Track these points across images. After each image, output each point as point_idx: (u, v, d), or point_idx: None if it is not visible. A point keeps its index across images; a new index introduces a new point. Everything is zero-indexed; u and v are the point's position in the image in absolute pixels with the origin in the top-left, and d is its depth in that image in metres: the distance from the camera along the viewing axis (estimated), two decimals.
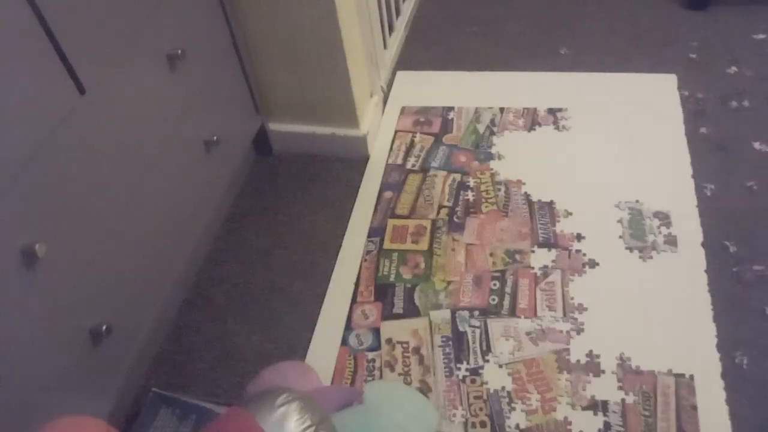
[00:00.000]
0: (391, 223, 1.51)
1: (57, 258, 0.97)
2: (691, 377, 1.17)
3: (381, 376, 1.25)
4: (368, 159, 1.67)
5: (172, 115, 1.27)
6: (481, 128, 1.71)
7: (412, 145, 1.69)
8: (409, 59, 1.96)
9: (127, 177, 1.14)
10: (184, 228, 1.35)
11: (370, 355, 1.28)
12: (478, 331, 1.29)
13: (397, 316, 1.33)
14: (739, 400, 1.14)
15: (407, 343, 1.29)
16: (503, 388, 1.20)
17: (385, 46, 1.83)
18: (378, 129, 1.74)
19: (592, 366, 1.21)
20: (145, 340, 1.24)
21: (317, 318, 1.35)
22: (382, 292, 1.38)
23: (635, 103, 1.70)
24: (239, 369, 1.29)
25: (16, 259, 0.90)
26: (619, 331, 1.25)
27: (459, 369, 1.24)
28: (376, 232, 1.50)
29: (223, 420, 0.93)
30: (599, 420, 1.14)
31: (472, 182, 1.57)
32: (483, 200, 1.53)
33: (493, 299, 1.33)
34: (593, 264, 1.37)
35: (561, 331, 1.26)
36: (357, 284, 1.40)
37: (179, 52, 1.22)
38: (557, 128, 1.68)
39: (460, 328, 1.30)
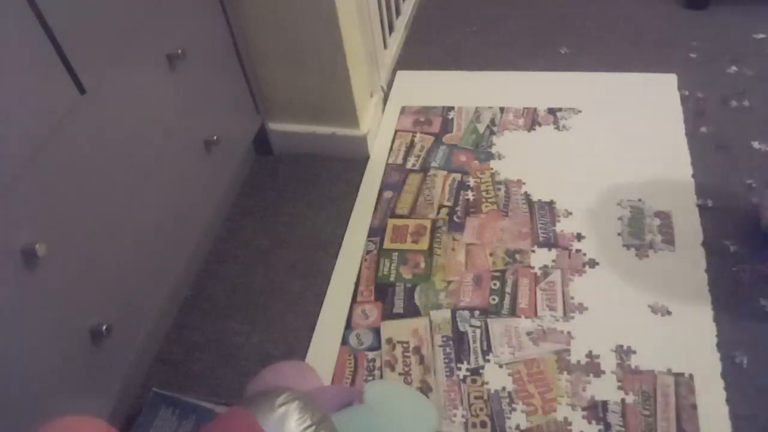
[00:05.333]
0: (392, 222, 1.51)
1: (57, 258, 0.97)
2: (691, 377, 1.18)
3: (381, 376, 1.25)
4: (368, 159, 1.67)
5: (172, 115, 1.27)
6: (481, 128, 1.71)
7: (412, 144, 1.69)
8: (409, 59, 1.96)
9: (127, 177, 1.14)
10: (184, 228, 1.35)
11: (371, 354, 1.28)
12: (478, 331, 1.29)
13: (398, 316, 1.34)
14: (739, 400, 1.14)
15: (407, 342, 1.29)
16: (504, 388, 1.20)
17: (385, 46, 1.83)
18: (378, 129, 1.74)
19: (592, 366, 1.21)
20: (145, 340, 1.24)
21: (317, 318, 1.35)
22: (383, 291, 1.38)
23: (635, 103, 1.70)
24: (239, 369, 1.29)
25: (16, 259, 0.90)
26: (619, 331, 1.25)
27: (459, 369, 1.24)
28: (376, 231, 1.50)
29: (223, 420, 0.93)
30: (599, 420, 1.14)
31: (472, 182, 1.57)
32: (483, 200, 1.53)
33: (494, 299, 1.33)
34: (593, 264, 1.37)
35: (561, 331, 1.26)
36: (357, 284, 1.40)
37: (179, 52, 1.22)
38: (557, 128, 1.68)
39: (461, 328, 1.30)
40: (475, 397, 1.19)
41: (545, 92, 1.78)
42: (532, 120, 1.71)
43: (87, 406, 1.08)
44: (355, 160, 1.67)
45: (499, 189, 1.55)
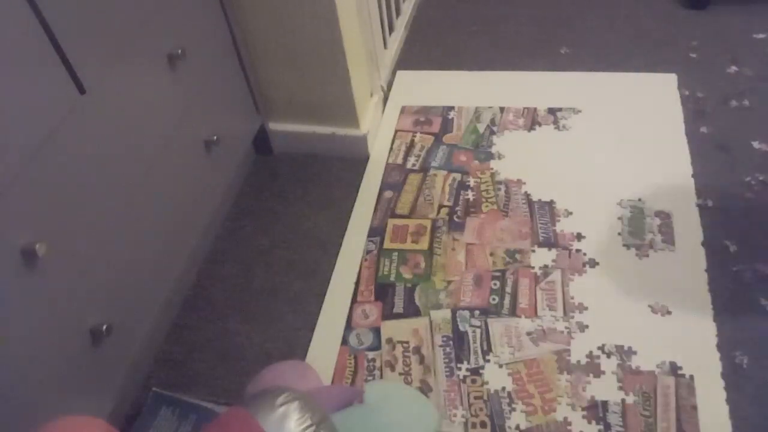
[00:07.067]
0: (392, 222, 1.51)
1: (57, 258, 0.97)
2: (691, 377, 1.18)
3: (381, 376, 1.25)
4: (368, 159, 1.67)
5: (172, 115, 1.27)
6: (481, 128, 1.71)
7: (412, 144, 1.69)
8: (409, 59, 1.96)
9: (127, 177, 1.14)
10: (184, 228, 1.35)
11: (371, 354, 1.28)
12: (478, 330, 1.29)
13: (398, 316, 1.34)
14: (739, 400, 1.14)
15: (408, 342, 1.29)
16: (503, 388, 1.20)
17: (385, 46, 1.83)
18: (378, 129, 1.74)
19: (592, 366, 1.21)
20: (145, 340, 1.24)
21: (317, 318, 1.35)
22: (383, 291, 1.38)
23: (635, 102, 1.70)
24: (239, 369, 1.29)
25: (16, 259, 0.90)
26: (619, 331, 1.25)
27: (459, 369, 1.24)
28: (376, 231, 1.50)
29: (223, 420, 0.93)
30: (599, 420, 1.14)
31: (472, 182, 1.57)
32: (483, 200, 1.53)
33: (494, 299, 1.33)
34: (593, 263, 1.37)
35: (561, 332, 1.27)
36: (357, 284, 1.40)
37: (179, 51, 1.22)
38: (557, 128, 1.68)
39: (461, 328, 1.30)
40: (475, 397, 1.19)
41: (545, 92, 1.78)
42: (532, 120, 1.71)
43: (87, 406, 1.08)
44: (355, 160, 1.67)
45: (499, 189, 1.55)
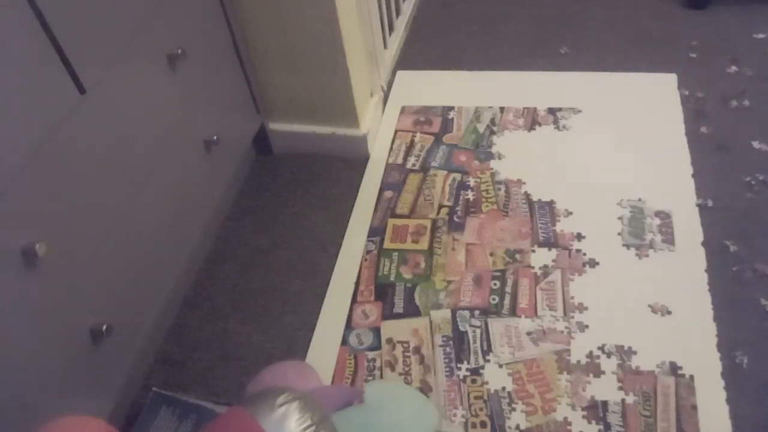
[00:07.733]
0: (392, 222, 1.51)
1: (57, 258, 0.97)
2: (692, 377, 1.18)
3: (381, 376, 1.25)
4: (368, 159, 1.67)
5: (172, 115, 1.27)
6: (481, 128, 1.71)
7: (412, 144, 1.69)
8: (409, 59, 1.96)
9: (127, 177, 1.14)
10: (184, 228, 1.35)
11: (371, 354, 1.28)
12: (478, 330, 1.29)
13: (398, 316, 1.34)
14: (739, 400, 1.14)
15: (408, 342, 1.29)
16: (503, 388, 1.20)
17: (385, 46, 1.83)
18: (378, 129, 1.74)
19: (592, 366, 1.21)
20: (145, 340, 1.24)
21: (317, 318, 1.35)
22: (383, 291, 1.38)
23: (635, 102, 1.70)
24: (239, 369, 1.29)
25: (16, 259, 0.90)
26: (619, 331, 1.25)
27: (459, 369, 1.24)
28: (376, 231, 1.50)
29: (223, 420, 0.93)
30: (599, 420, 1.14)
31: (472, 182, 1.57)
32: (483, 200, 1.53)
33: (494, 299, 1.33)
34: (593, 263, 1.37)
35: (561, 331, 1.27)
36: (357, 284, 1.40)
37: (179, 52, 1.22)
38: (557, 128, 1.68)
39: (461, 328, 1.30)
40: (475, 397, 1.19)
41: (545, 92, 1.78)
42: (532, 120, 1.71)
43: (87, 406, 1.08)
44: (355, 160, 1.67)
45: (499, 189, 1.55)
